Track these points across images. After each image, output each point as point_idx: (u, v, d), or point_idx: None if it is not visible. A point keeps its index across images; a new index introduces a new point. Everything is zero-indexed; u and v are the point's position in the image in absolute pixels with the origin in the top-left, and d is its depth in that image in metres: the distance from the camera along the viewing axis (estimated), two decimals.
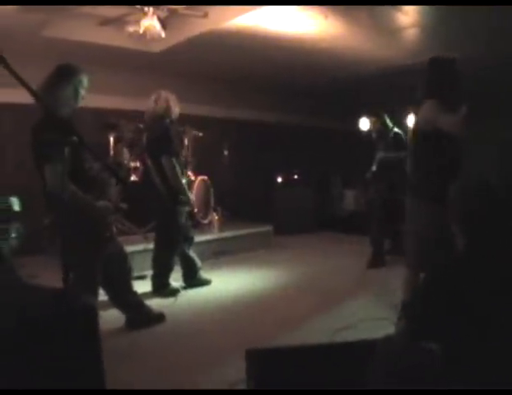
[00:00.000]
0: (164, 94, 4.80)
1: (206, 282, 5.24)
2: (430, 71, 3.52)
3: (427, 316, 1.84)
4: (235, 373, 2.76)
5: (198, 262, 5.23)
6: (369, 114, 6.42)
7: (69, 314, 1.59)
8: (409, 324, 1.91)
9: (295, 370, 2.30)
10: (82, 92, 3.25)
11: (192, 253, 5.16)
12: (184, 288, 5.05)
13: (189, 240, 5.12)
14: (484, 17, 5.16)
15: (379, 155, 6.01)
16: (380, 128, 6.14)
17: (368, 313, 4.09)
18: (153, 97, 4.81)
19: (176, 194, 4.79)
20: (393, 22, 5.64)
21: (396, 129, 6.18)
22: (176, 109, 4.83)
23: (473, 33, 5.79)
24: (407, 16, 5.43)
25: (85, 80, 3.27)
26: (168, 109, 4.75)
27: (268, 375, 2.29)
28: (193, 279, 5.15)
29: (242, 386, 2.47)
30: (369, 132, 6.45)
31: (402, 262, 3.74)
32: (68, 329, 1.58)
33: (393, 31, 5.97)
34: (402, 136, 6.07)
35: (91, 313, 1.73)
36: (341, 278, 5.56)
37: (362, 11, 5.24)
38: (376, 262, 5.93)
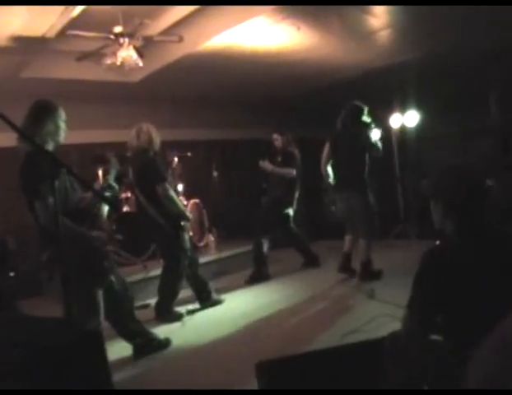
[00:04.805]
0: (145, 127, 4.77)
1: (218, 302, 5.25)
2: None
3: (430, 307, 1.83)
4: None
5: (209, 283, 5.25)
6: None
7: (76, 342, 1.58)
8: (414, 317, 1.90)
9: (305, 377, 2.30)
10: (63, 125, 3.28)
11: (200, 274, 5.18)
12: (189, 313, 5.02)
13: (195, 263, 5.14)
14: (451, 13, 5.23)
15: None
16: None
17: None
18: (134, 131, 4.76)
19: (176, 220, 4.79)
20: (364, 26, 5.72)
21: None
22: (158, 140, 4.81)
23: (442, 30, 5.88)
24: (377, 19, 5.51)
25: (63, 113, 3.30)
26: (151, 141, 4.72)
27: (280, 386, 2.28)
28: (207, 299, 5.15)
29: None
30: None
31: None
32: (76, 357, 1.57)
33: (365, 35, 6.04)
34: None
35: (98, 341, 1.72)
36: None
37: (333, 18, 5.32)
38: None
